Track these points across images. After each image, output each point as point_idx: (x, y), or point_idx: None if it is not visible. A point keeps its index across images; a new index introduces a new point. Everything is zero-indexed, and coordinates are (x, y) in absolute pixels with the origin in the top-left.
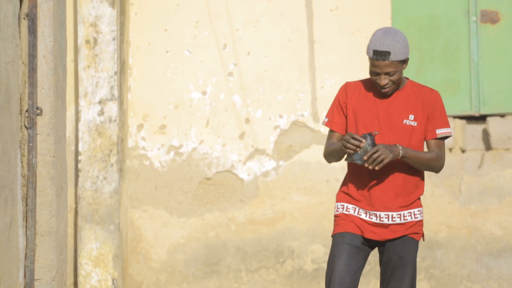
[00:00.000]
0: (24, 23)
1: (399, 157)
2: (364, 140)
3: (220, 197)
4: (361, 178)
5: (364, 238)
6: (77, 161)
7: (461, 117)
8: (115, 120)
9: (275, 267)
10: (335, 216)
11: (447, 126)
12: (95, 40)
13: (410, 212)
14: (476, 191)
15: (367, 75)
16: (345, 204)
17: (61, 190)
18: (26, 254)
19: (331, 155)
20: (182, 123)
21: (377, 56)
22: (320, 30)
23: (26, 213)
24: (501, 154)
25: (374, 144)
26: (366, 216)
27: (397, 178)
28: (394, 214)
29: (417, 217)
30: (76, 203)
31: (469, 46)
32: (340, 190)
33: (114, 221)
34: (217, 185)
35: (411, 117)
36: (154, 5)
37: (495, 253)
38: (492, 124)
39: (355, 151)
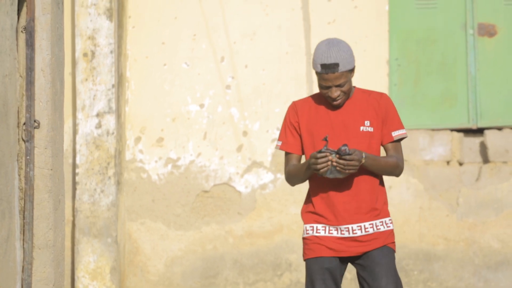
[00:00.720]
0: (22, 36)
1: (362, 163)
2: (330, 156)
3: (217, 210)
4: (325, 194)
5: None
6: (74, 174)
7: (458, 130)
8: (113, 133)
9: (272, 280)
10: (305, 238)
11: (402, 127)
12: (93, 53)
13: (382, 222)
14: (473, 204)
15: (366, 87)
16: (314, 225)
17: (58, 203)
18: (23, 267)
19: (295, 178)
20: (179, 135)
21: (326, 69)
22: (317, 43)
23: (24, 226)
24: (499, 167)
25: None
26: (338, 233)
27: (360, 187)
28: (366, 224)
29: (389, 226)
30: (73, 216)
31: (467, 59)
32: (306, 211)
33: (111, 234)
34: (215, 197)
35: (367, 123)
36: (151, 18)
37: (492, 266)
38: (490, 137)
39: (328, 167)
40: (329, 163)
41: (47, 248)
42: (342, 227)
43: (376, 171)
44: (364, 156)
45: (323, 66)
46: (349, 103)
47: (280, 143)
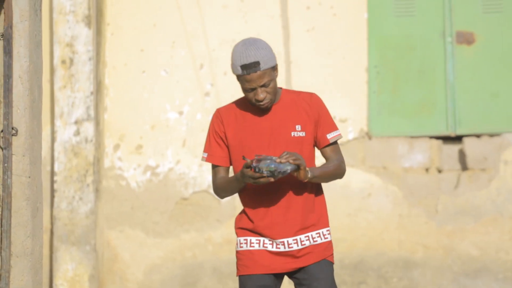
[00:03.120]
0: (0, 43)
1: (307, 179)
2: (264, 173)
3: (197, 217)
4: (259, 206)
5: (274, 274)
6: (52, 182)
7: (437, 138)
8: (91, 140)
9: None
10: (239, 253)
11: (336, 128)
12: (71, 60)
13: (319, 233)
14: (452, 211)
15: (345, 95)
16: (248, 238)
17: (36, 210)
18: (0, 275)
19: (224, 191)
20: (158, 143)
21: (247, 69)
22: (296, 50)
23: (1, 234)
24: (477, 175)
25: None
26: (273, 247)
27: (295, 198)
28: (302, 237)
29: (326, 238)
30: (51, 223)
31: (445, 66)
32: (239, 223)
33: (90, 241)
34: (194, 205)
35: (298, 127)
36: (130, 26)
37: (471, 273)
38: (468, 144)
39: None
40: (268, 178)
41: (25, 256)
42: (278, 241)
43: (322, 181)
44: (309, 175)
45: (243, 67)
46: (277, 107)
47: (205, 155)
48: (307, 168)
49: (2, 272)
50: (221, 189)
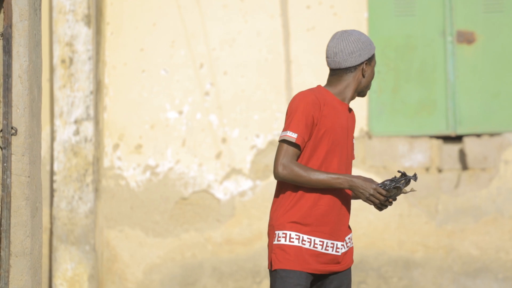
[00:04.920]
0: None
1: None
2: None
3: (196, 217)
4: (326, 207)
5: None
6: (52, 181)
7: (437, 137)
8: (91, 140)
9: (251, 287)
10: (285, 245)
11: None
12: (71, 59)
13: (350, 237)
14: (452, 211)
15: None
16: (301, 235)
17: (36, 210)
18: (0, 275)
19: (306, 182)
20: (158, 142)
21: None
22: (296, 50)
23: (0, 234)
24: (478, 174)
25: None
26: (322, 248)
27: (349, 202)
28: (346, 239)
29: (352, 243)
30: (51, 223)
31: (445, 66)
32: (290, 219)
33: (89, 241)
34: (194, 205)
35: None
36: (130, 25)
37: (471, 273)
38: (469, 144)
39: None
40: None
41: (24, 256)
42: (329, 242)
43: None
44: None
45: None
46: (351, 110)
47: (295, 135)
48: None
49: (1, 272)
50: (304, 177)
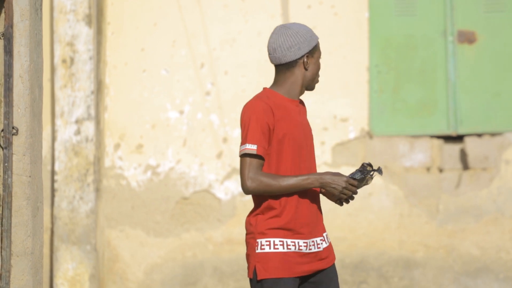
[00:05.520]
0: (0, 43)
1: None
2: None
3: (197, 217)
4: (301, 205)
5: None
6: (53, 181)
7: (438, 137)
8: (92, 140)
9: None
10: (270, 253)
11: None
12: (72, 59)
13: (327, 233)
14: (453, 210)
15: (346, 95)
16: (285, 240)
17: (37, 210)
18: (1, 275)
19: (277, 190)
20: (159, 142)
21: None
22: None
23: (1, 234)
24: (478, 174)
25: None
26: (306, 249)
27: (318, 198)
28: (324, 235)
29: (329, 240)
30: (52, 223)
31: (446, 66)
32: (272, 225)
33: (90, 241)
34: (194, 204)
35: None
36: (131, 25)
37: (472, 273)
38: (469, 144)
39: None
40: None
41: (26, 256)
42: (310, 241)
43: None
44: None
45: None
46: (301, 103)
47: (254, 147)
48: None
49: (2, 272)
50: (274, 186)
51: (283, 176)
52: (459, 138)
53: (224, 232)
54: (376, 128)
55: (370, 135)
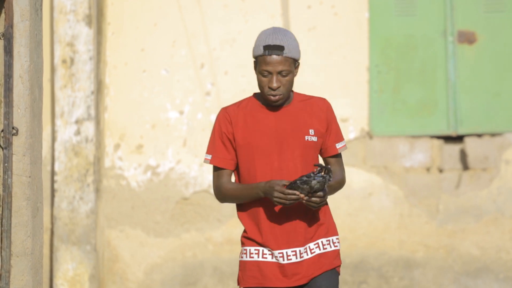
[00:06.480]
0: (0, 43)
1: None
2: (301, 195)
3: (197, 217)
4: (273, 215)
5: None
6: (53, 181)
7: (438, 137)
8: (92, 140)
9: None
10: (245, 262)
11: (343, 138)
12: (72, 59)
13: (329, 240)
14: (453, 211)
15: (346, 95)
16: (260, 248)
17: (37, 210)
18: (1, 275)
19: (233, 199)
20: (159, 142)
21: (270, 50)
22: None
23: (1, 234)
24: (478, 174)
25: (321, 179)
26: (284, 260)
27: (303, 208)
28: (311, 245)
29: (336, 246)
30: (52, 223)
31: (446, 66)
32: (245, 235)
33: (90, 241)
34: (194, 205)
35: (312, 131)
36: (131, 25)
37: (472, 273)
38: (469, 144)
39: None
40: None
41: (25, 256)
42: (289, 251)
43: (330, 194)
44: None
45: (267, 47)
46: (290, 108)
47: (209, 156)
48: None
49: (2, 272)
50: (229, 195)
51: (239, 185)
52: (459, 138)
53: (224, 232)
54: (376, 128)
55: (370, 135)
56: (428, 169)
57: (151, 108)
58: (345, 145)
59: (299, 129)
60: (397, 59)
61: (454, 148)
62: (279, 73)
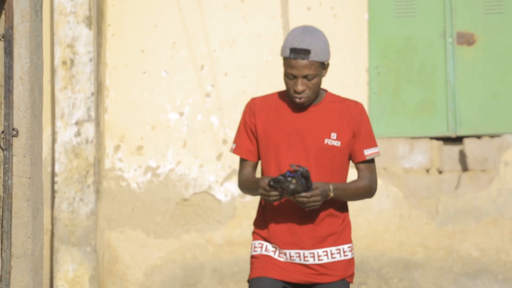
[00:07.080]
0: (0, 44)
1: (329, 197)
2: (284, 193)
3: (197, 218)
4: (280, 214)
5: (286, 283)
6: (53, 182)
7: (437, 138)
8: (92, 141)
9: None
10: (252, 257)
11: (375, 145)
12: (72, 61)
13: (339, 249)
14: (453, 212)
15: (345, 95)
16: (264, 243)
17: (37, 211)
18: (1, 276)
19: (248, 191)
20: (159, 144)
21: (295, 54)
22: None
23: (2, 235)
24: (478, 175)
25: (306, 181)
26: (287, 258)
27: (319, 212)
28: (320, 251)
29: (347, 255)
30: (52, 224)
31: (446, 67)
32: (256, 230)
33: (90, 242)
34: (194, 206)
35: (334, 135)
36: (131, 26)
37: (472, 274)
38: (469, 145)
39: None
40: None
41: (26, 257)
42: (294, 251)
43: (347, 200)
44: (331, 189)
45: (293, 50)
46: (316, 109)
47: (234, 146)
48: (331, 187)
49: (2, 273)
50: (244, 187)
51: (252, 178)
52: (458, 140)
53: (224, 233)
54: (376, 130)
55: None
56: (427, 170)
57: (151, 110)
58: (377, 151)
59: (320, 131)
60: (396, 61)
61: (454, 149)
62: (305, 77)
